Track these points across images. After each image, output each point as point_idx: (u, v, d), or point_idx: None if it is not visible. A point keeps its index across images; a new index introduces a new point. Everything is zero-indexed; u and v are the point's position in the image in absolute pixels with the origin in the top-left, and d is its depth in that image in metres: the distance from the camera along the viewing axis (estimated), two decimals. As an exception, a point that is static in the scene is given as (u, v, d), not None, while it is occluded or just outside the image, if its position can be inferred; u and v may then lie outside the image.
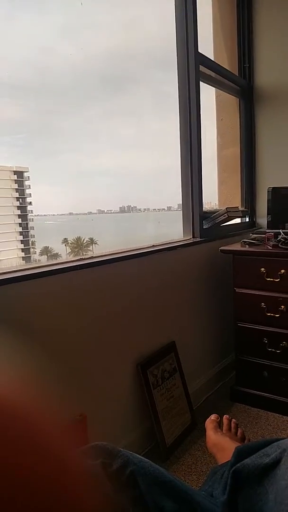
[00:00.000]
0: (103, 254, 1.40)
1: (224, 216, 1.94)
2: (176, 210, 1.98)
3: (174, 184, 1.90)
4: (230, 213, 1.95)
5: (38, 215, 1.58)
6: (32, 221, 1.53)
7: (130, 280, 1.47)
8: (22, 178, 1.50)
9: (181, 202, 1.91)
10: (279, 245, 1.74)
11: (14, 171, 1.49)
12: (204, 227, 1.94)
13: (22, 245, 1.50)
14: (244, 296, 1.83)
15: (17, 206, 1.49)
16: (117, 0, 1.82)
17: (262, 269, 1.76)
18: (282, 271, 1.70)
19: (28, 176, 1.51)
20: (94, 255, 1.35)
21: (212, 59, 2.12)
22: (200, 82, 1.87)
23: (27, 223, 1.51)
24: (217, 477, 0.91)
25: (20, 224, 1.50)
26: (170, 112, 1.84)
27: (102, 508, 0.30)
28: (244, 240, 1.94)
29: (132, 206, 1.91)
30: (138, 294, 1.51)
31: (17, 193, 1.49)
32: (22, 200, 1.50)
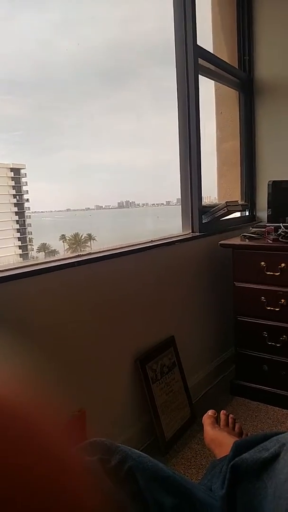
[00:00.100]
0: (101, 250, 1.40)
1: (224, 210, 1.93)
2: (175, 204, 1.97)
3: (173, 179, 1.89)
4: (230, 207, 1.94)
5: (35, 211, 1.58)
6: (30, 218, 1.53)
7: (128, 275, 1.47)
8: (19, 175, 1.50)
9: (180, 197, 1.90)
10: (279, 238, 1.74)
11: (11, 168, 1.49)
12: (204, 221, 1.93)
13: (20, 242, 1.50)
14: (244, 290, 1.83)
15: (14, 203, 1.49)
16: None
17: (262, 263, 1.75)
18: (282, 265, 1.70)
19: (25, 173, 1.51)
20: (92, 251, 1.35)
21: (211, 51, 2.10)
22: (199, 76, 1.85)
23: (24, 220, 1.51)
24: (216, 471, 0.92)
25: (17, 221, 1.50)
26: (169, 106, 1.83)
27: (102, 506, 0.30)
28: (244, 234, 1.94)
29: (130, 201, 1.91)
30: (137, 290, 1.51)
31: (14, 190, 1.48)
32: (19, 197, 1.49)
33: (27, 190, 1.51)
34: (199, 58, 1.84)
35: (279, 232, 1.77)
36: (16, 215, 1.49)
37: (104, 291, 1.36)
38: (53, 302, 1.18)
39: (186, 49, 1.77)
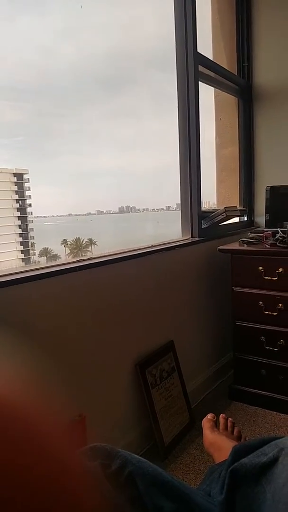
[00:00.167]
0: (102, 255, 1.41)
1: (223, 215, 1.95)
2: (175, 210, 1.98)
3: (173, 184, 1.91)
4: (229, 212, 1.95)
5: (37, 216, 1.59)
6: (32, 222, 1.53)
7: (129, 280, 1.48)
8: (22, 180, 1.50)
9: (179, 202, 1.92)
10: (277, 243, 1.75)
11: (14, 173, 1.49)
12: (203, 226, 1.95)
13: (22, 246, 1.50)
14: (242, 295, 1.84)
15: (17, 208, 1.50)
16: (116, 1, 1.82)
17: (260, 268, 1.77)
18: (280, 269, 1.71)
19: (28, 178, 1.52)
20: (93, 256, 1.36)
21: (211, 58, 2.12)
22: (199, 82, 1.87)
23: (26, 225, 1.52)
24: (214, 476, 0.92)
25: (19, 226, 1.50)
26: (169, 112, 1.84)
27: (101, 509, 0.31)
28: (242, 239, 1.95)
29: (131, 206, 1.92)
30: (137, 294, 1.52)
31: (17, 195, 1.49)
32: (21, 202, 1.50)
33: (29, 195, 1.52)
34: (199, 65, 1.86)
35: (276, 237, 1.78)
36: (18, 219, 1.50)
37: (104, 296, 1.37)
38: (54, 307, 1.19)
39: (186, 56, 1.79)
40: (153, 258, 1.58)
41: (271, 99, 2.35)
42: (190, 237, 1.91)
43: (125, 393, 1.47)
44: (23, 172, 1.51)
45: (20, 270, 1.12)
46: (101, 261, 1.32)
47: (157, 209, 2.06)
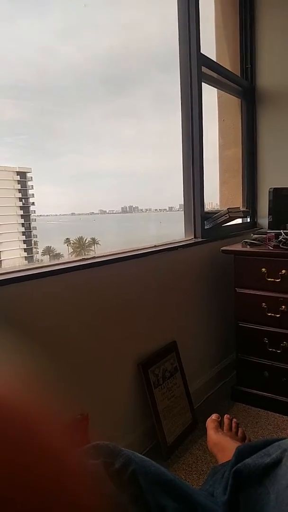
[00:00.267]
0: (105, 254, 1.41)
1: (226, 216, 1.94)
2: (178, 210, 1.98)
3: (175, 185, 1.91)
4: (232, 213, 1.95)
5: (40, 215, 1.59)
6: (35, 221, 1.53)
7: (131, 280, 1.48)
8: (25, 178, 1.50)
9: (182, 203, 1.92)
10: (280, 245, 1.74)
11: (17, 171, 1.49)
12: (206, 227, 1.94)
13: (25, 245, 1.50)
14: (245, 296, 1.83)
15: (20, 207, 1.49)
16: (118, 1, 1.82)
17: (263, 269, 1.76)
18: (283, 271, 1.71)
19: (31, 177, 1.52)
20: (96, 255, 1.36)
21: (214, 59, 2.12)
22: (203, 83, 1.87)
23: (29, 223, 1.51)
24: (217, 476, 0.91)
25: (22, 224, 1.50)
26: (172, 113, 1.84)
27: (103, 508, 0.30)
28: (245, 240, 1.95)
29: (134, 206, 1.92)
30: (139, 294, 1.52)
31: (20, 194, 1.49)
32: (25, 201, 1.50)
33: (32, 194, 1.52)
34: (202, 66, 1.87)
35: (279, 238, 1.77)
36: (21, 218, 1.49)
37: (107, 295, 1.37)
38: (57, 305, 1.18)
39: (190, 57, 1.79)
40: (156, 258, 1.58)
41: (274, 101, 2.35)
42: (193, 237, 1.91)
43: (127, 392, 1.47)
44: (26, 171, 1.51)
45: (23, 268, 1.12)
46: (103, 260, 1.32)
47: (159, 209, 2.06)
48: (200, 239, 1.89)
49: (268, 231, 1.90)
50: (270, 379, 1.81)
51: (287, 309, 1.71)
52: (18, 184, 1.47)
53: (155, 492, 0.69)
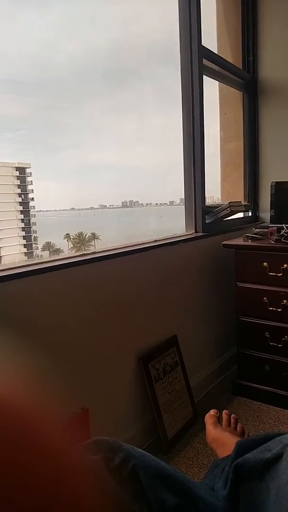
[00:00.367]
0: (105, 249, 1.41)
1: (227, 210, 1.94)
2: (179, 204, 1.97)
3: (176, 179, 1.90)
4: (233, 207, 1.94)
5: (40, 210, 1.59)
6: (34, 216, 1.53)
7: (132, 275, 1.48)
8: (24, 174, 1.50)
9: (183, 197, 1.91)
10: (282, 239, 1.74)
11: (16, 167, 1.49)
12: (207, 221, 1.94)
13: (25, 240, 1.50)
14: (246, 291, 1.83)
15: (19, 202, 1.49)
16: (119, -7, 1.80)
17: (265, 263, 1.76)
18: (285, 265, 1.70)
19: (30, 172, 1.51)
20: (96, 251, 1.36)
21: (216, 52, 2.10)
22: (204, 76, 1.85)
23: (29, 219, 1.51)
24: (218, 471, 0.92)
25: (22, 220, 1.50)
26: (173, 106, 1.83)
27: (103, 506, 0.30)
28: (246, 234, 1.94)
29: (134, 201, 1.91)
30: (140, 289, 1.52)
31: (19, 189, 1.49)
32: (24, 196, 1.50)
33: (32, 189, 1.52)
34: (203, 59, 1.85)
35: (281, 233, 1.77)
36: (21, 213, 1.49)
37: (108, 290, 1.37)
38: (57, 301, 1.18)
39: (191, 49, 1.78)
40: (157, 253, 1.58)
41: (276, 94, 2.33)
42: (194, 232, 1.90)
43: (128, 387, 1.47)
44: (25, 166, 1.50)
45: (23, 264, 1.11)
46: (104, 256, 1.32)
47: (160, 203, 2.05)
48: (201, 234, 1.88)
49: (269, 225, 1.89)
50: (271, 373, 1.82)
51: (288, 303, 1.71)
52: (17, 179, 1.47)
53: (155, 486, 0.70)
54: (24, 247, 1.51)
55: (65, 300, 1.21)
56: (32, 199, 1.51)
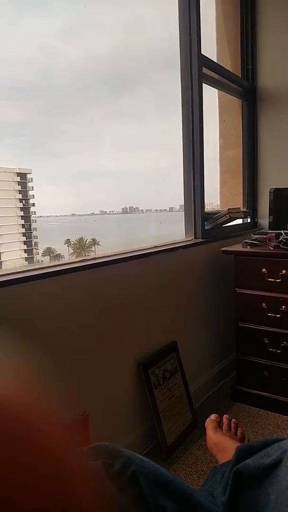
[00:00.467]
0: (105, 255, 1.41)
1: (226, 217, 1.95)
2: (178, 211, 1.99)
3: (176, 185, 1.91)
4: (232, 214, 1.95)
5: (41, 216, 1.59)
6: (35, 222, 1.53)
7: (132, 281, 1.48)
8: (26, 179, 1.51)
9: (183, 203, 1.92)
10: (281, 245, 1.75)
11: (17, 173, 1.49)
12: (206, 228, 1.95)
13: (25, 246, 1.50)
14: (245, 297, 1.83)
15: (20, 208, 1.50)
16: (120, 1, 1.82)
17: (264, 269, 1.76)
18: (283, 271, 1.71)
19: (31, 178, 1.52)
20: (96, 256, 1.36)
21: (215, 60, 2.12)
22: (203, 84, 1.87)
23: (30, 224, 1.52)
24: (217, 477, 0.92)
25: (23, 225, 1.50)
26: (172, 113, 1.84)
27: (103, 509, 0.30)
28: (245, 240, 1.95)
29: (134, 207, 1.92)
30: (140, 295, 1.52)
31: (20, 195, 1.49)
32: (25, 202, 1.50)
33: (33, 195, 1.52)
34: (203, 67, 1.87)
35: (280, 239, 1.78)
36: (22, 219, 1.50)
37: (108, 295, 1.37)
38: (58, 306, 1.19)
39: (190, 58, 1.80)
40: (157, 259, 1.58)
41: (275, 102, 2.35)
42: (193, 238, 1.91)
43: (128, 392, 1.47)
44: (26, 172, 1.51)
45: (23, 269, 1.12)
46: (104, 261, 1.33)
47: (160, 210, 2.06)
48: (200, 240, 1.89)
49: (268, 231, 1.90)
50: (270, 379, 1.82)
51: (287, 309, 1.72)
52: (18, 185, 1.48)
53: (155, 493, 0.70)
54: (25, 252, 1.52)
55: (65, 306, 1.21)
56: (33, 204, 1.52)
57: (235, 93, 2.33)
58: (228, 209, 1.95)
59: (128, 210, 1.92)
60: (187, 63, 1.80)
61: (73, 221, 1.70)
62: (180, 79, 1.82)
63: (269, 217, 1.97)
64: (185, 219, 1.92)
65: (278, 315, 1.74)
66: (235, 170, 2.48)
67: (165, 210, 2.10)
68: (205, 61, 1.89)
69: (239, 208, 2.33)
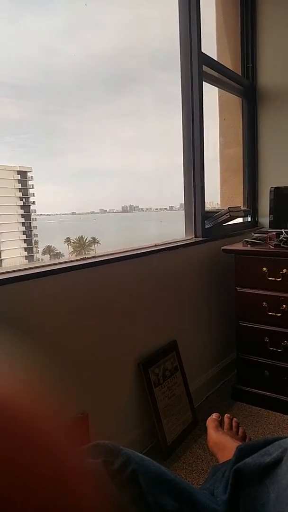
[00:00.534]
0: (105, 253, 1.41)
1: (226, 215, 1.94)
2: (178, 209, 1.98)
3: (176, 184, 1.91)
4: (232, 212, 1.95)
5: (41, 214, 1.59)
6: (35, 220, 1.53)
7: (132, 279, 1.48)
8: (26, 178, 1.50)
9: (183, 202, 1.91)
10: (281, 244, 1.74)
11: (17, 171, 1.49)
12: (206, 226, 1.94)
13: (25, 244, 1.50)
14: (246, 296, 1.83)
15: (21, 206, 1.49)
16: (120, 0, 1.82)
17: (264, 268, 1.76)
18: (284, 270, 1.71)
19: (32, 176, 1.52)
20: (96, 255, 1.36)
21: (215, 58, 2.12)
22: (203, 82, 1.87)
23: (30, 223, 1.51)
24: (218, 475, 0.92)
25: (23, 224, 1.50)
26: (173, 112, 1.84)
27: (103, 508, 0.30)
28: (246, 239, 1.94)
29: (134, 205, 1.92)
30: (140, 294, 1.52)
31: (21, 193, 1.49)
32: (25, 200, 1.50)
33: (33, 193, 1.52)
34: (203, 65, 1.86)
35: (280, 238, 1.77)
36: (22, 217, 1.49)
37: (107, 294, 1.37)
38: (57, 305, 1.18)
39: (190, 56, 1.79)
40: (157, 258, 1.58)
41: (275, 100, 2.35)
42: (193, 237, 1.90)
43: (128, 391, 1.47)
44: (27, 170, 1.51)
45: (23, 268, 1.12)
46: (104, 260, 1.32)
47: (160, 208, 2.06)
48: (200, 239, 1.88)
49: (269, 230, 1.90)
50: (270, 378, 1.81)
51: (288, 308, 1.71)
52: (18, 183, 1.47)
53: (155, 491, 0.69)
54: (25, 251, 1.51)
55: (65, 304, 1.21)
56: (33, 202, 1.52)
57: (235, 92, 2.33)
58: (229, 208, 1.94)
59: (128, 208, 1.92)
60: (187, 60, 1.80)
61: (73, 219, 1.70)
62: (180, 77, 1.82)
63: (269, 216, 1.97)
64: (185, 217, 1.92)
65: (278, 314, 1.74)
66: (236, 168, 2.47)
67: (165, 208, 2.09)
68: (205, 59, 1.89)
69: (240, 207, 2.33)
